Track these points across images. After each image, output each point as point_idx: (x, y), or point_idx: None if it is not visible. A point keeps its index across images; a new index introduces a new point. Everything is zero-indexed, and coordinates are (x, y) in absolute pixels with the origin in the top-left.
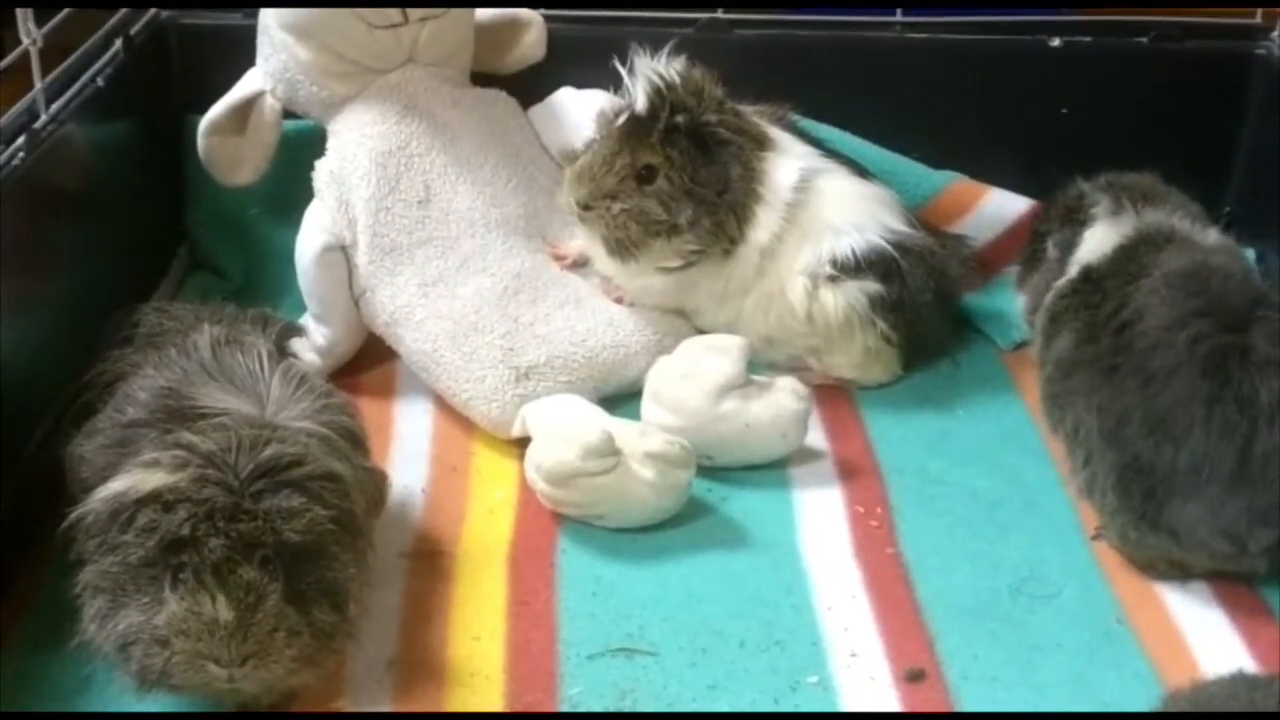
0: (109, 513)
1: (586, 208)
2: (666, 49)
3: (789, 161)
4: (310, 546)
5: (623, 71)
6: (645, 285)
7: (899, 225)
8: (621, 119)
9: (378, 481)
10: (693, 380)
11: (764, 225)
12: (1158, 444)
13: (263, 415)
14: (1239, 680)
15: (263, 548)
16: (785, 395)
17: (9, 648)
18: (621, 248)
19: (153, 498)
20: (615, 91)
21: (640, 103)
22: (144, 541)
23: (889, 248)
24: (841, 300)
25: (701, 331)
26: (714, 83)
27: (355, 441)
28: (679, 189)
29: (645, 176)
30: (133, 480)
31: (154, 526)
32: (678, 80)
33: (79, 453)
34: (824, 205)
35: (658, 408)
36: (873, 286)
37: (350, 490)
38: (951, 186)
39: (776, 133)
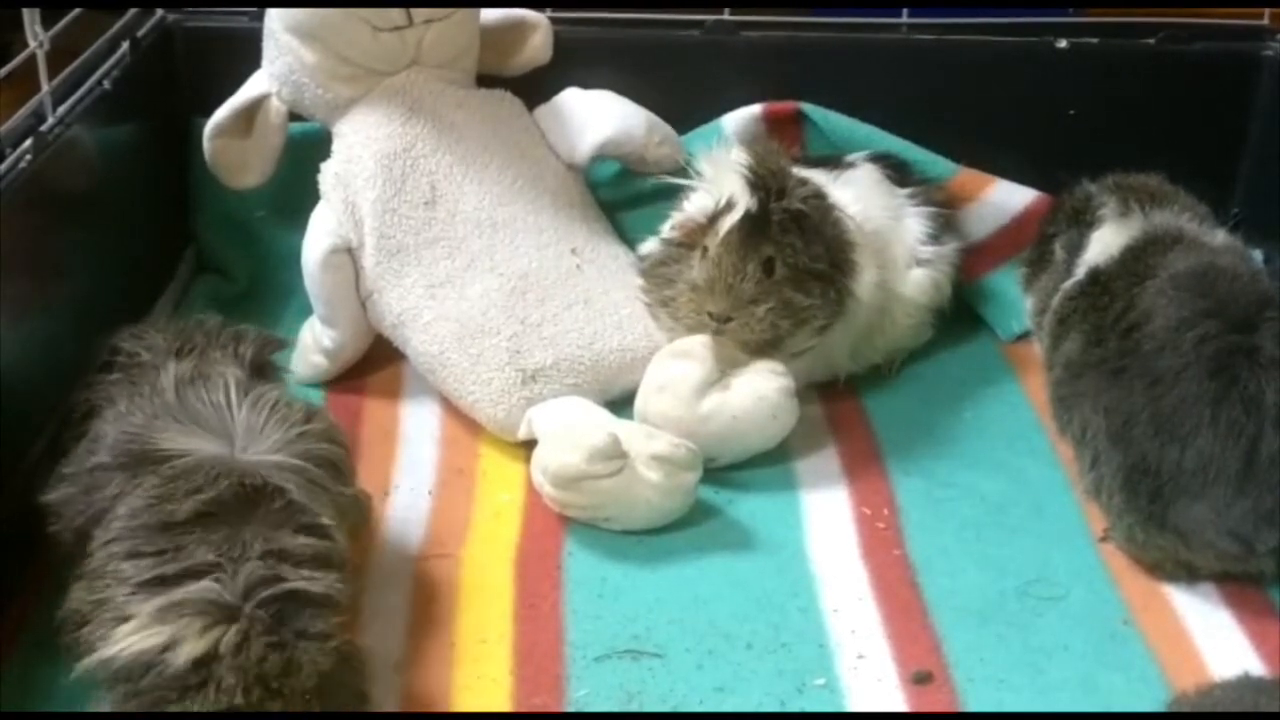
0: (139, 668)
1: (728, 319)
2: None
3: (840, 192)
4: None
5: (693, 170)
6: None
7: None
8: (731, 220)
9: (361, 506)
10: (667, 391)
11: (868, 265)
12: (1164, 444)
13: (231, 453)
14: (1245, 683)
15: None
16: (762, 376)
17: (11, 659)
18: (769, 346)
19: (194, 667)
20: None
21: (750, 201)
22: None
23: (932, 209)
24: (944, 266)
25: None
26: (783, 153)
27: (335, 469)
28: (802, 271)
29: (768, 270)
30: (156, 640)
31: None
32: (766, 166)
33: (49, 500)
34: (873, 209)
35: (647, 425)
36: (954, 244)
37: (333, 532)
38: (957, 176)
39: (810, 172)
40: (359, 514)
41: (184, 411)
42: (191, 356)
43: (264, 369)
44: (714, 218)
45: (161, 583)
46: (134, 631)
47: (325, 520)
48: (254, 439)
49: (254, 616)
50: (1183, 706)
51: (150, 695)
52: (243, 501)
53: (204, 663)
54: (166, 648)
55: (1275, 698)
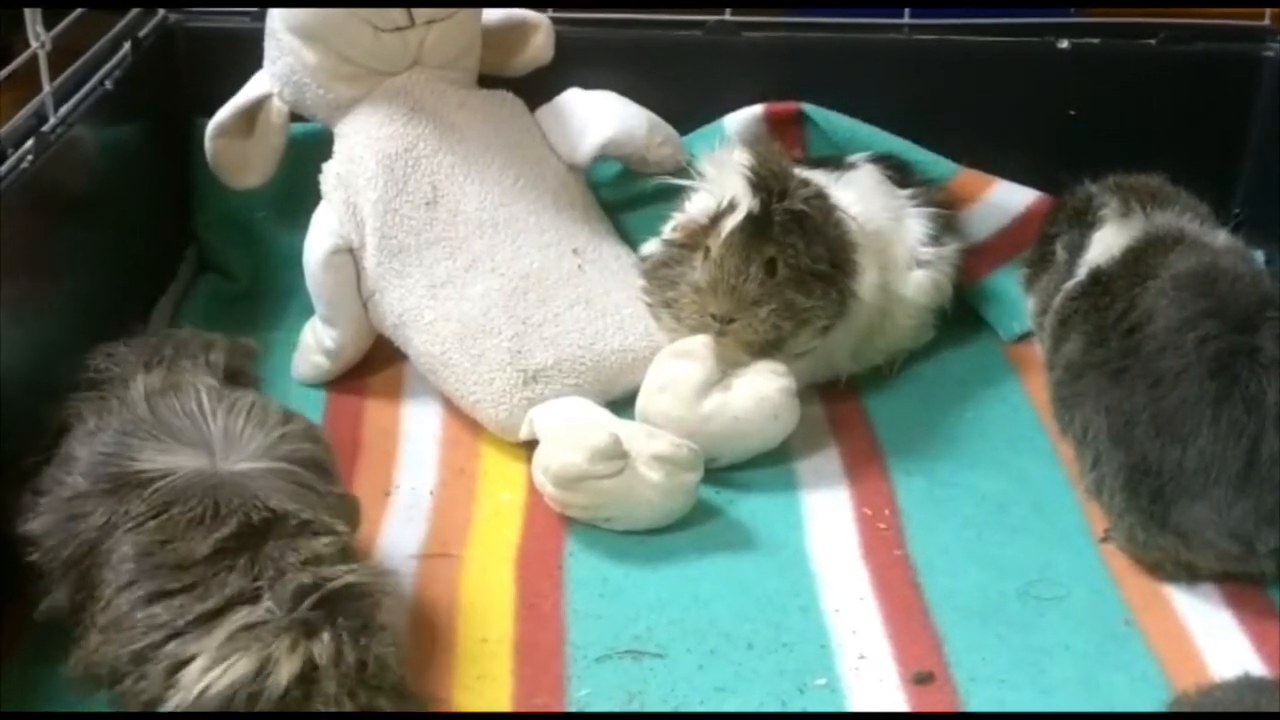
0: (238, 698)
1: (731, 320)
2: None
3: (842, 193)
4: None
5: (694, 170)
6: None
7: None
8: (733, 221)
9: (351, 506)
10: (669, 391)
11: (869, 265)
12: (1165, 445)
13: (212, 464)
14: (1244, 684)
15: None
16: (764, 377)
17: (11, 659)
18: (771, 346)
19: (297, 683)
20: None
21: (752, 202)
22: None
23: (933, 210)
24: (945, 267)
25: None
26: (784, 154)
27: (320, 469)
28: (804, 271)
29: (770, 270)
30: (247, 667)
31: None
32: (768, 167)
33: (30, 530)
34: (874, 209)
35: (648, 425)
36: (955, 245)
37: (345, 536)
38: (958, 176)
39: (811, 173)
40: (349, 514)
41: (158, 425)
42: (160, 368)
43: (237, 376)
44: (716, 219)
45: (208, 618)
46: (209, 668)
47: (339, 528)
48: (234, 446)
49: (338, 627)
50: (1183, 706)
51: None
52: (253, 531)
53: (305, 678)
54: (261, 672)
55: (1275, 698)
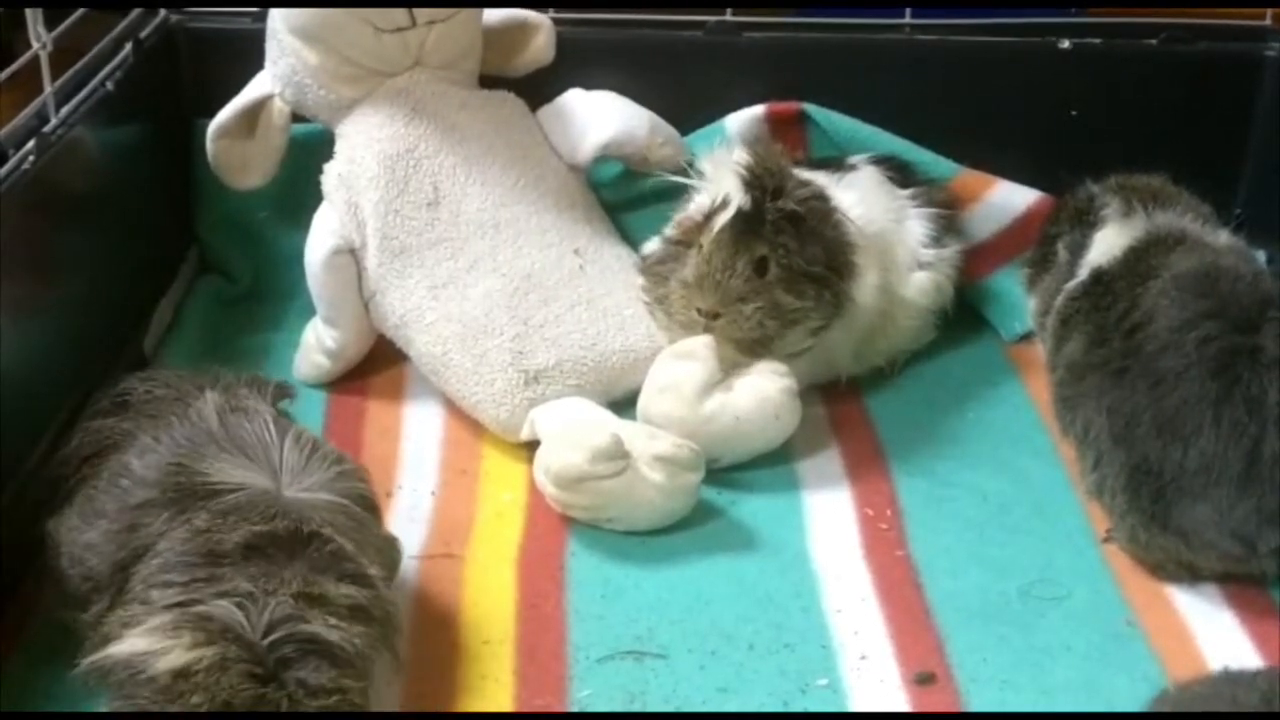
0: (124, 669)
1: (716, 316)
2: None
3: (843, 194)
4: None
5: (694, 170)
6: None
7: (906, 192)
8: (724, 218)
9: (392, 551)
10: (670, 392)
11: (870, 267)
12: (1167, 445)
13: (277, 488)
14: (1223, 678)
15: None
16: (766, 377)
17: (11, 659)
18: (759, 345)
19: (171, 679)
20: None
21: (744, 199)
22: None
23: (935, 210)
24: (947, 268)
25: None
26: (784, 155)
27: (371, 509)
28: (796, 272)
29: (760, 269)
30: (146, 645)
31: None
32: (764, 166)
33: (84, 539)
34: (875, 211)
35: (650, 426)
36: (957, 246)
37: (377, 583)
38: (959, 177)
39: (813, 174)
40: (392, 557)
41: (229, 439)
42: (219, 390)
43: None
44: (709, 215)
45: (186, 606)
46: (139, 635)
47: (372, 570)
48: (298, 475)
49: (249, 644)
50: (1164, 703)
51: (131, 701)
52: (293, 541)
53: (182, 675)
54: (152, 653)
55: (1252, 689)
